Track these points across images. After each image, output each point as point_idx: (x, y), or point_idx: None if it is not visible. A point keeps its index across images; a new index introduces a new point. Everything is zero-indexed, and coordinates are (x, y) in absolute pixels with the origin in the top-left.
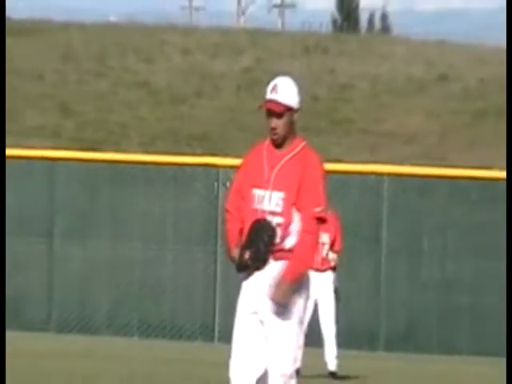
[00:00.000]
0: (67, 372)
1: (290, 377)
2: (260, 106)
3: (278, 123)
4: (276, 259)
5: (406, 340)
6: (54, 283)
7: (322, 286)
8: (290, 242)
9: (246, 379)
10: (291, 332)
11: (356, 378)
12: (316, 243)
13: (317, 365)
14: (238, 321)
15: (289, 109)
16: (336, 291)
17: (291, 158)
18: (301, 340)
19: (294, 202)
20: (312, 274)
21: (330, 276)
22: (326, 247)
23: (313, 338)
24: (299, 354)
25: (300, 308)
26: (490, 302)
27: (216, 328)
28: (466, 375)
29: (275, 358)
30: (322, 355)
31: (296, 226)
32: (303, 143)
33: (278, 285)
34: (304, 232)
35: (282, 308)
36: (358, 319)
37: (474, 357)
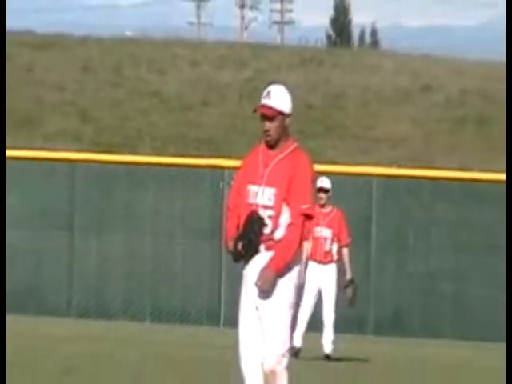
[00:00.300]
0: (85, 353)
1: (283, 356)
2: (254, 110)
3: (271, 126)
4: (267, 249)
5: (393, 325)
6: (74, 273)
7: (324, 278)
8: (279, 234)
9: (253, 365)
10: (282, 315)
11: (347, 359)
12: (302, 237)
13: (314, 348)
14: (240, 309)
15: (280, 113)
16: (352, 281)
17: (283, 157)
18: (293, 323)
19: (284, 197)
20: (315, 266)
21: (332, 268)
22: (329, 242)
23: (316, 323)
24: (298, 334)
25: (291, 294)
26: (469, 291)
27: (221, 313)
28: (448, 357)
29: (268, 340)
30: (319, 339)
31: (285, 219)
32: (294, 145)
33: (263, 273)
34: (291, 226)
35: (267, 294)
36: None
37: (455, 340)
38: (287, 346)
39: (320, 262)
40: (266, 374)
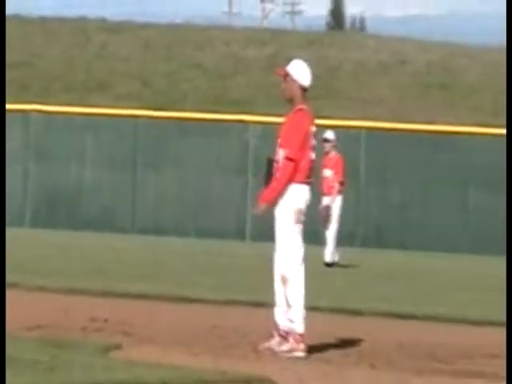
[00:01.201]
0: (144, 261)
1: (288, 264)
2: (275, 72)
3: (284, 86)
4: None
5: (376, 240)
6: (137, 201)
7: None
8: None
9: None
10: (282, 230)
11: (341, 266)
12: (287, 175)
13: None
14: None
15: (289, 75)
16: (328, 207)
17: (290, 116)
18: (297, 241)
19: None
20: (324, 198)
21: (334, 199)
22: (330, 180)
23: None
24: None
25: (290, 218)
26: (433, 215)
27: (247, 231)
28: (416, 264)
29: (276, 249)
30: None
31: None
32: (299, 107)
33: (255, 201)
34: (279, 169)
35: (259, 213)
36: (343, 226)
37: (422, 252)
38: (290, 255)
39: (326, 195)
40: (278, 277)
